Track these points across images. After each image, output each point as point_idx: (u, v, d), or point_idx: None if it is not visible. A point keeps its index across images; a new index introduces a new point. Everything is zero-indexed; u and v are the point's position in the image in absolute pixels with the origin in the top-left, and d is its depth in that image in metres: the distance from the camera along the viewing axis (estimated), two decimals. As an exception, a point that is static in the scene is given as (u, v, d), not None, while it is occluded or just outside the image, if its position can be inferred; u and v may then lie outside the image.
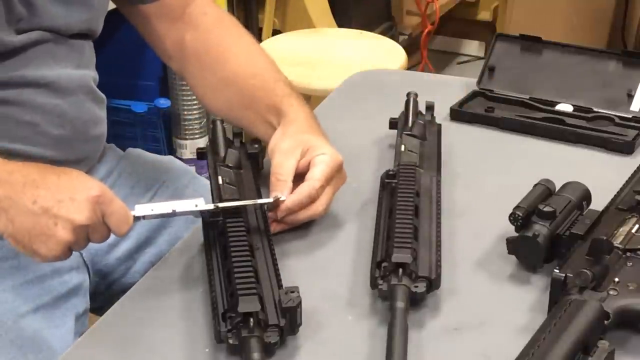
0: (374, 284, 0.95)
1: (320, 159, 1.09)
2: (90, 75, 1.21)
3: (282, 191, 1.06)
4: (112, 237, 1.23)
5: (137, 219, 0.98)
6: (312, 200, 1.07)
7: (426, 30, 3.44)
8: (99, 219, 0.94)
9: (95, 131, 1.22)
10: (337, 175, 1.10)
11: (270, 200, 1.05)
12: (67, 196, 0.93)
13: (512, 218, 1.00)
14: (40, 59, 1.12)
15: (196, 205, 1.00)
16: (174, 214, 1.00)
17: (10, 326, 1.07)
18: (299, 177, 1.08)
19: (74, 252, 1.16)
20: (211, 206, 1.01)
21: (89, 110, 1.20)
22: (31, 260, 1.11)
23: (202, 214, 1.03)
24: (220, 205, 1.02)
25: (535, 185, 1.05)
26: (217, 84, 1.25)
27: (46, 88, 1.12)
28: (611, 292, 0.90)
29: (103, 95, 1.25)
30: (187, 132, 2.62)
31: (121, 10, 1.28)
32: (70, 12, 1.14)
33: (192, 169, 1.45)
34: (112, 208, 0.95)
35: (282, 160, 1.09)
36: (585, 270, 0.89)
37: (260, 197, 1.10)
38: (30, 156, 1.10)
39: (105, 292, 1.25)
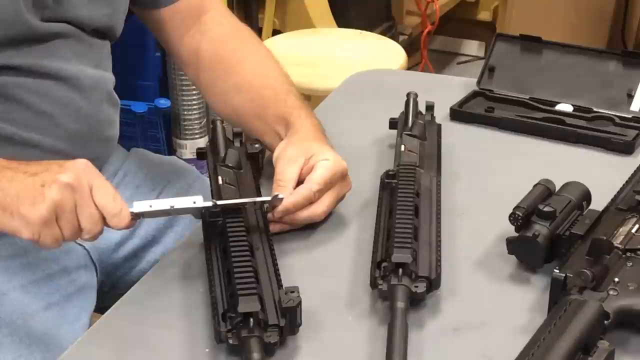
0: (374, 284, 0.95)
1: (322, 163, 1.09)
2: (108, 77, 1.23)
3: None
4: (119, 235, 1.25)
5: (135, 216, 0.98)
6: (309, 202, 1.07)
7: (426, 30, 3.44)
8: (86, 189, 0.95)
9: (108, 132, 1.23)
10: (340, 181, 1.10)
11: (269, 198, 1.05)
12: (56, 166, 0.96)
13: (512, 218, 1.00)
14: (62, 53, 1.13)
15: (194, 202, 1.00)
16: (172, 210, 1.00)
17: (19, 325, 1.08)
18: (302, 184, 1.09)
19: (82, 252, 1.17)
20: (209, 203, 1.01)
21: (105, 110, 1.21)
22: (40, 258, 1.13)
23: (202, 214, 1.03)
24: (219, 202, 1.02)
25: (535, 185, 1.05)
26: (227, 91, 1.26)
27: (65, 82, 1.13)
28: (611, 292, 0.90)
29: (118, 100, 1.26)
30: (187, 132, 2.62)
31: (138, 16, 1.30)
32: (93, 4, 1.15)
33: (195, 169, 1.46)
34: (99, 181, 0.96)
35: (284, 167, 1.09)
36: (585, 270, 0.89)
37: (260, 196, 1.09)
38: (44, 147, 1.12)
39: (110, 291, 1.25)
